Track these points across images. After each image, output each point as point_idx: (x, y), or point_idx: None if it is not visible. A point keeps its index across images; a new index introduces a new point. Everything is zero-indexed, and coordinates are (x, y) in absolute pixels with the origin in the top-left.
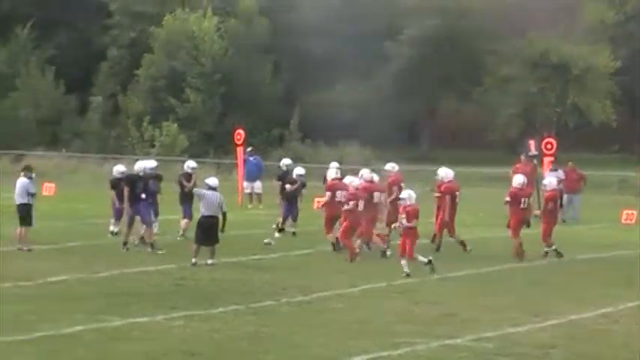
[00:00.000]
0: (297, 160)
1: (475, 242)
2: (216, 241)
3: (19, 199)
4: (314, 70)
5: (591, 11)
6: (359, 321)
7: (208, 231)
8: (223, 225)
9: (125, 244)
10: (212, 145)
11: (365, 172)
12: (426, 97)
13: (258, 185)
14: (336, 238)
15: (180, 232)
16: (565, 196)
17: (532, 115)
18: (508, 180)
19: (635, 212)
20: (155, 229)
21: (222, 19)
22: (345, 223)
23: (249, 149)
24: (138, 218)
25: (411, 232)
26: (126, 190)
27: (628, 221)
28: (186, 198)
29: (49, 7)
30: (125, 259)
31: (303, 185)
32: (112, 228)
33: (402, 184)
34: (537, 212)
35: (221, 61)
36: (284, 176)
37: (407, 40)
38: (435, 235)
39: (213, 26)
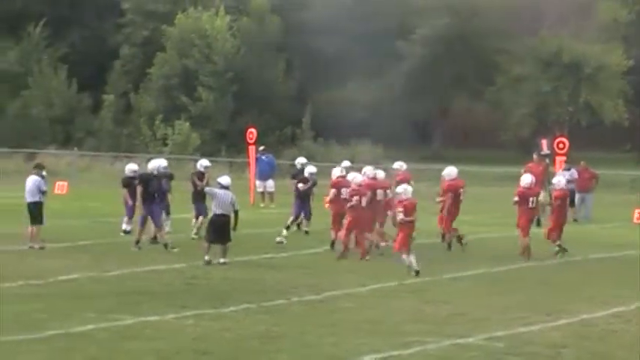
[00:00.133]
0: (309, 158)
1: (486, 241)
2: (229, 239)
3: (29, 197)
4: (326, 68)
5: (604, 10)
6: (370, 320)
7: (220, 229)
8: (235, 223)
9: (137, 242)
10: (224, 143)
11: (368, 169)
12: (438, 96)
13: (270, 184)
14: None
15: (194, 231)
16: (577, 195)
17: (544, 115)
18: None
19: None
20: (167, 228)
21: (234, 18)
22: (348, 220)
23: (261, 148)
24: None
25: (408, 227)
26: (140, 189)
27: None
28: (199, 197)
29: (61, 6)
30: (136, 257)
31: (314, 184)
32: (124, 227)
33: (412, 183)
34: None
35: (233, 59)
36: (299, 174)
37: (419, 40)
38: (443, 235)
39: (225, 25)
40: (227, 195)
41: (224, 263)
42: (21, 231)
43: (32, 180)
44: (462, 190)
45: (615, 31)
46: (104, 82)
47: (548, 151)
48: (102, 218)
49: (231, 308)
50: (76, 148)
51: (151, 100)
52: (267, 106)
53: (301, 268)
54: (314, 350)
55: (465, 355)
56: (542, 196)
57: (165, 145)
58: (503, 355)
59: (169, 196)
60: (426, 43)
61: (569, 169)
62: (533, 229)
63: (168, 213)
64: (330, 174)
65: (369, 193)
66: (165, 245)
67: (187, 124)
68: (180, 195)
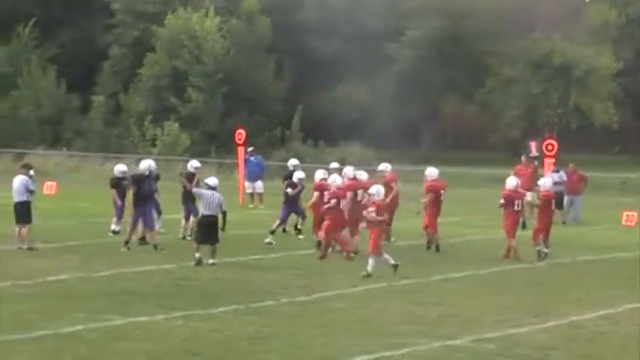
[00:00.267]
0: (298, 160)
1: (475, 243)
2: (217, 240)
3: (17, 196)
4: (316, 70)
5: (594, 13)
6: (360, 321)
7: (208, 230)
8: (224, 224)
9: (127, 243)
10: (214, 144)
11: (348, 170)
12: (428, 99)
13: (259, 185)
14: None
15: (189, 232)
16: (566, 198)
17: (534, 117)
18: None
19: (635, 214)
20: (157, 227)
21: (224, 19)
22: (327, 222)
23: (250, 149)
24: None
25: (379, 227)
26: (133, 190)
27: (628, 223)
28: (189, 197)
29: (51, 6)
30: (126, 258)
31: (303, 189)
32: (113, 227)
33: (399, 184)
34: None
35: (223, 60)
36: (291, 176)
37: (410, 42)
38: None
39: (215, 25)
40: (214, 196)
41: (213, 264)
42: (10, 231)
43: (19, 180)
44: (442, 191)
45: (605, 34)
46: (93, 83)
47: (537, 154)
48: (91, 219)
49: (221, 309)
50: (64, 149)
51: (140, 100)
52: (256, 107)
53: (291, 269)
54: (304, 351)
55: (454, 356)
56: (531, 198)
57: (155, 145)
58: (494, 356)
59: (157, 196)
60: (417, 45)
61: (558, 172)
62: (520, 232)
63: (159, 213)
64: None
65: (349, 195)
66: (155, 246)
67: (177, 124)
68: (169, 196)
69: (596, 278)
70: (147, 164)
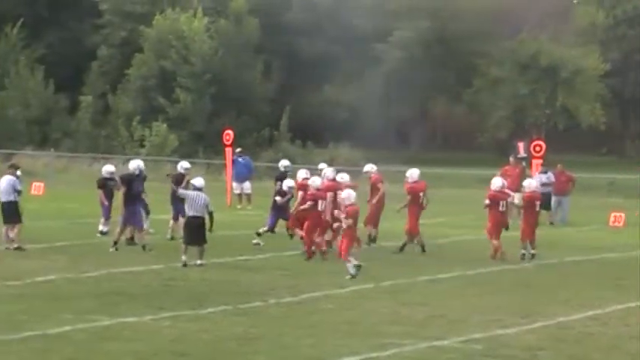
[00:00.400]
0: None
1: (462, 244)
2: (204, 241)
3: (4, 196)
4: (304, 70)
5: (582, 14)
6: (348, 322)
7: (195, 231)
8: (211, 225)
9: (115, 243)
10: (202, 145)
11: (328, 171)
12: (417, 99)
13: (247, 186)
14: (301, 237)
15: (180, 233)
16: (554, 199)
17: (522, 117)
18: None
19: (623, 215)
20: (145, 226)
21: (212, 19)
22: (307, 222)
23: (238, 150)
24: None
25: (352, 232)
26: (123, 190)
27: (616, 224)
28: (178, 198)
29: (38, 7)
30: (114, 259)
31: (292, 197)
32: (101, 227)
33: (385, 184)
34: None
35: (211, 61)
36: (282, 177)
37: (397, 42)
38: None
39: (203, 26)
40: (200, 197)
41: (201, 265)
42: None
43: (6, 179)
44: (422, 192)
45: (592, 35)
46: (81, 83)
47: (524, 154)
48: (79, 219)
49: (209, 310)
50: (52, 149)
51: (128, 101)
52: (244, 107)
53: (279, 270)
54: (292, 352)
55: (442, 357)
56: (518, 199)
57: (143, 146)
58: (481, 357)
59: (144, 196)
60: (405, 45)
61: (545, 172)
62: (504, 233)
63: (147, 213)
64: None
65: (329, 196)
66: (144, 247)
67: (165, 125)
68: (157, 196)
69: (584, 279)
70: (136, 164)
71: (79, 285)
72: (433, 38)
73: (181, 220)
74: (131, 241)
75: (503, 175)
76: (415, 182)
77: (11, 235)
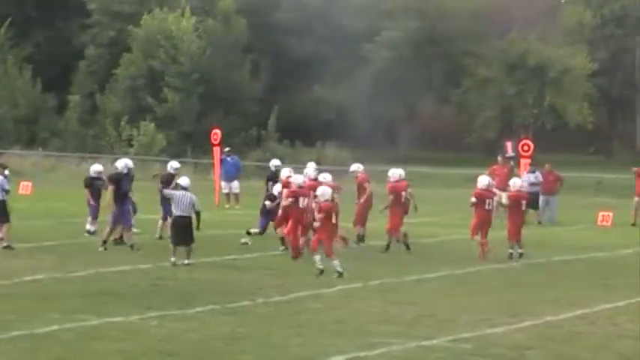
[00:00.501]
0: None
1: (450, 243)
2: (192, 240)
3: None
4: (293, 70)
5: (569, 14)
6: (336, 321)
7: (182, 231)
8: (198, 224)
9: (104, 242)
10: (190, 144)
11: (309, 170)
12: (405, 99)
13: (235, 185)
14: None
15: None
16: (542, 198)
17: (509, 117)
18: None
19: (611, 214)
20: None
21: (200, 19)
22: (290, 222)
23: (226, 149)
24: None
25: (329, 229)
26: (111, 189)
27: (604, 223)
28: (167, 198)
29: (26, 6)
30: (102, 258)
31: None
32: (88, 227)
33: (372, 183)
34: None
35: (199, 60)
36: (273, 177)
37: (385, 42)
38: (404, 235)
39: (191, 26)
40: (186, 196)
41: (189, 264)
42: None
43: None
44: (403, 192)
45: (580, 35)
46: (69, 83)
47: (512, 154)
48: (67, 219)
49: (197, 309)
50: (40, 149)
51: (116, 100)
52: (232, 107)
53: (267, 269)
54: (279, 351)
55: (430, 356)
56: (505, 199)
57: (131, 146)
58: (469, 356)
59: (131, 194)
60: (393, 45)
61: (533, 172)
62: (493, 232)
63: (134, 211)
64: None
65: (311, 194)
66: (132, 246)
67: (153, 125)
68: (145, 196)
69: (572, 278)
70: (124, 163)
71: (66, 284)
72: (422, 38)
73: (169, 220)
74: (120, 240)
75: (491, 175)
76: (397, 181)
77: (0, 234)
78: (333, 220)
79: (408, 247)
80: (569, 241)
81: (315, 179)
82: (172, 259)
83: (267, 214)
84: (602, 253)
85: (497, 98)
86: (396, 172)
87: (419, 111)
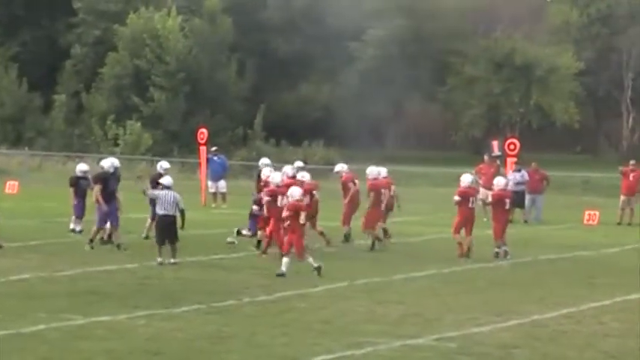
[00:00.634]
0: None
1: (436, 242)
2: (176, 239)
3: None
4: (279, 69)
5: (555, 13)
6: (322, 321)
7: (166, 230)
8: (182, 222)
9: (91, 241)
10: (176, 144)
11: (288, 169)
12: (392, 97)
13: (222, 184)
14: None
15: (145, 232)
16: (528, 197)
17: (496, 116)
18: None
19: (597, 213)
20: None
21: (186, 18)
22: (271, 222)
23: (213, 149)
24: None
25: (298, 229)
26: (98, 189)
27: (590, 222)
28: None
29: (12, 5)
30: (89, 257)
31: None
32: (72, 226)
33: (357, 183)
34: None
35: (185, 59)
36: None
37: (372, 41)
38: (384, 231)
39: (177, 25)
40: (168, 195)
41: (174, 263)
42: None
43: None
44: (383, 190)
45: (566, 34)
46: (55, 82)
47: (499, 153)
48: (53, 218)
49: (183, 308)
50: (26, 148)
51: (102, 100)
52: (219, 106)
53: (253, 269)
54: (265, 351)
55: (416, 355)
56: (491, 198)
57: (117, 145)
58: (455, 355)
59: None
60: (379, 44)
61: (519, 171)
62: (478, 231)
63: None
64: None
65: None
66: (119, 245)
67: (139, 124)
68: (131, 195)
69: (558, 277)
70: (110, 162)
71: (53, 284)
72: (408, 37)
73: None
74: (109, 239)
75: (477, 174)
76: (375, 179)
77: None
78: (302, 220)
79: (373, 245)
80: (555, 240)
81: (294, 177)
82: (159, 259)
83: (256, 217)
84: (588, 252)
85: (483, 97)
86: (374, 170)
87: (405, 109)
